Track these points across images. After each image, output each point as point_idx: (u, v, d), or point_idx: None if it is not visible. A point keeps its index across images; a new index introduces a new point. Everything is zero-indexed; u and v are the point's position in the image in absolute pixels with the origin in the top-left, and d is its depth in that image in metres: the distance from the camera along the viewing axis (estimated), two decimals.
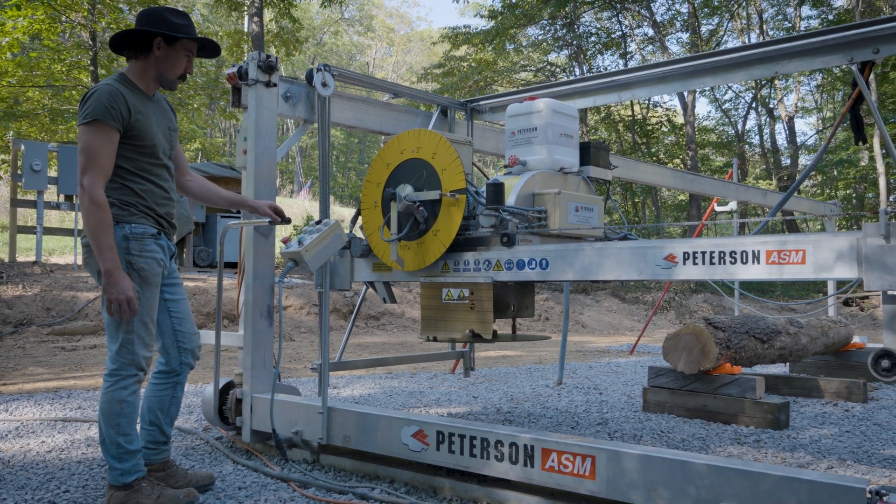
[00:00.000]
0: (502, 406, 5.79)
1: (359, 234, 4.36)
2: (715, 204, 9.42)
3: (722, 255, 3.04)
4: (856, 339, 7.51)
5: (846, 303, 21.30)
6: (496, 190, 3.79)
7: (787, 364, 7.47)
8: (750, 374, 5.52)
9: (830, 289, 9.70)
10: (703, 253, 3.08)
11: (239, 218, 4.32)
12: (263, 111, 4.17)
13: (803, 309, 18.78)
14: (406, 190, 3.99)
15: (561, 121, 4.32)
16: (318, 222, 3.77)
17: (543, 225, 3.94)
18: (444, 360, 5.81)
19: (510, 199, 3.96)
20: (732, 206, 8.97)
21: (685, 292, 21.00)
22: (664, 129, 29.57)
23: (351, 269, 4.41)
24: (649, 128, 28.31)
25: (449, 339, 4.09)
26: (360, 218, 4.32)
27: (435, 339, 4.31)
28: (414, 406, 5.77)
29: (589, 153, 4.42)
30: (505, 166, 4.37)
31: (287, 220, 3.89)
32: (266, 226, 4.03)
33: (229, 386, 4.18)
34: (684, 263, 3.13)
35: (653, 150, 28.59)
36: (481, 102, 5.79)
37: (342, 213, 27.77)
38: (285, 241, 3.71)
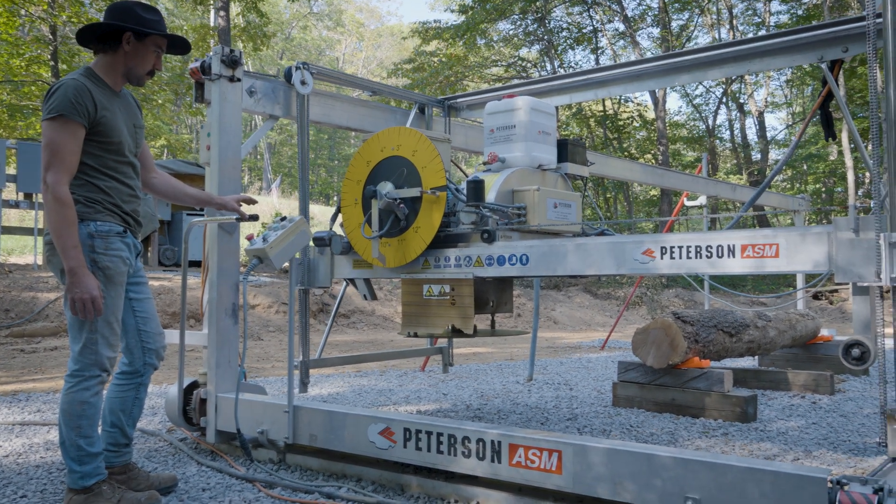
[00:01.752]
0: (472, 403, 5.81)
1: (339, 231, 4.39)
2: (685, 199, 9.52)
3: (698, 249, 3.10)
4: (823, 332, 7.64)
5: (815, 296, 21.67)
6: (476, 187, 3.83)
7: (756, 357, 7.58)
8: (718, 367, 5.61)
9: (799, 282, 9.84)
10: (680, 248, 3.13)
11: (204, 216, 4.30)
12: (227, 106, 4.14)
13: (773, 303, 19.06)
14: (386, 187, 4.00)
15: (539, 118, 4.38)
16: (283, 219, 3.76)
17: (523, 221, 3.99)
18: (423, 356, 5.84)
19: (490, 196, 4.00)
20: (702, 200, 9.07)
21: (657, 287, 21.21)
22: (635, 124, 29.83)
23: (331, 266, 4.43)
24: (621, 123, 28.55)
25: (430, 335, 4.12)
26: (339, 215, 4.35)
27: (416, 335, 4.34)
28: (383, 404, 5.78)
29: (566, 150, 4.49)
30: (484, 163, 4.41)
31: (254, 218, 3.87)
32: (231, 223, 4.01)
33: (193, 386, 4.15)
34: (661, 258, 3.18)
35: (624, 145, 28.85)
36: (459, 100, 5.82)
37: (311, 210, 27.63)
38: (250, 238, 3.69)
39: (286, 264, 3.63)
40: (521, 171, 4.22)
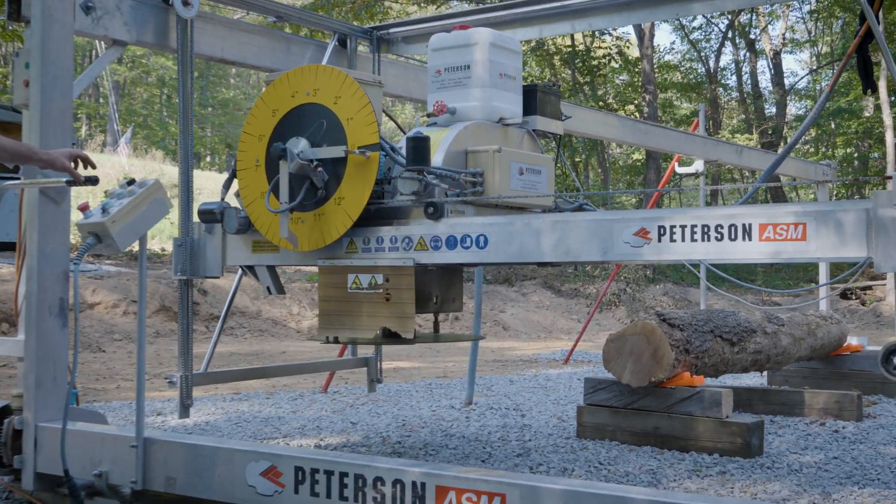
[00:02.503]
0: (390, 435, 5.84)
1: (234, 202, 4.39)
2: (676, 164, 9.71)
3: (706, 230, 3.18)
4: (851, 341, 7.89)
5: (844, 294, 22.38)
6: (419, 146, 3.85)
7: (764, 373, 7.79)
8: (715, 386, 5.75)
9: (822, 275, 10.15)
10: (683, 227, 3.21)
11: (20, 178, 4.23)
12: (54, 26, 4.05)
13: (787, 301, 19.59)
14: (300, 145, 4.02)
15: (501, 57, 4.41)
16: (132, 183, 3.70)
17: (480, 192, 4.04)
18: (342, 369, 5.85)
19: (436, 159, 4.02)
20: (698, 167, 9.26)
21: (639, 282, 21.61)
22: (614, 64, 30.21)
23: (223, 249, 4.42)
24: (595, 63, 28.84)
25: (355, 340, 4.13)
26: (234, 181, 4.37)
27: (335, 341, 4.38)
28: (269, 437, 5.76)
29: (535, 99, 4.54)
30: (428, 115, 4.44)
31: (94, 181, 3.80)
32: (59, 187, 3.93)
33: (4, 412, 4.07)
34: (660, 240, 3.26)
35: (599, 92, 29.18)
36: (393, 30, 5.82)
37: (173, 174, 27.23)
38: (84, 208, 3.62)
39: (134, 245, 3.64)
40: (478, 125, 4.26)
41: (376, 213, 4.02)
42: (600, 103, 27.55)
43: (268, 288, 4.60)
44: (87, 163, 3.80)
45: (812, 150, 32.18)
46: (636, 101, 28.93)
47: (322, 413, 6.77)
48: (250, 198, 4.20)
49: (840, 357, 7.61)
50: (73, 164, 3.75)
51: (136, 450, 3.65)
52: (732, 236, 3.15)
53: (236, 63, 5.22)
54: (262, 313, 14.53)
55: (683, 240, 3.24)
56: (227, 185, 4.58)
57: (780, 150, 27.10)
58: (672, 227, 3.23)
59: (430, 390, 8.18)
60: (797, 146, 34.58)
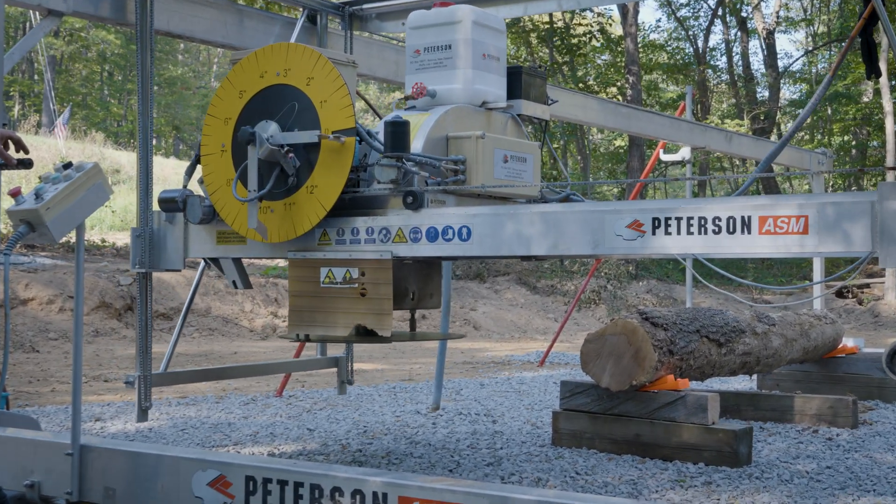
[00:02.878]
0: (350, 442, 5.84)
1: (197, 190, 4.42)
2: (661, 151, 9.76)
3: (703, 222, 3.23)
4: (847, 342, 7.96)
5: (840, 293, 22.60)
6: (399, 131, 3.88)
7: (754, 376, 7.85)
8: (701, 390, 5.78)
9: (817, 272, 10.21)
10: (679, 220, 3.25)
11: None
12: None
13: (777, 299, 19.73)
14: (269, 129, 4.05)
15: (485, 36, 4.45)
16: (68, 166, 3.68)
17: (462, 180, 4.08)
18: (312, 369, 5.86)
19: (416, 145, 4.06)
20: (684, 154, 9.32)
21: (621, 278, 21.72)
22: (595, 43, 30.31)
23: (184, 240, 4.43)
24: (574, 41, 28.94)
25: (326, 338, 4.15)
26: (198, 168, 4.40)
27: (307, 339, 4.41)
28: (219, 444, 5.75)
29: (520, 82, 4.59)
30: (406, 98, 4.47)
31: (27, 164, 3.77)
32: None
33: None
34: (654, 233, 3.29)
35: (579, 73, 29.29)
36: (366, 6, 5.83)
37: (118, 158, 27.05)
38: (15, 193, 3.59)
39: (71, 235, 3.63)
40: (460, 109, 4.30)
41: (351, 203, 4.04)
42: (580, 85, 27.65)
43: (233, 282, 4.64)
44: (20, 145, 3.76)
45: (807, 137, 32.44)
46: (619, 83, 29.08)
47: (276, 419, 6.75)
48: (215, 185, 4.22)
49: (835, 360, 7.67)
50: (3, 146, 3.72)
51: (72, 458, 3.63)
52: (731, 229, 3.19)
53: (184, 37, 5.20)
54: (211, 310, 14.48)
55: (679, 232, 3.28)
56: (189, 172, 4.60)
57: (772, 138, 27.30)
58: (667, 219, 3.27)
59: (393, 394, 8.18)
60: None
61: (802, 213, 3.11)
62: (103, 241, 17.66)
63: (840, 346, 7.80)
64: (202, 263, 5.31)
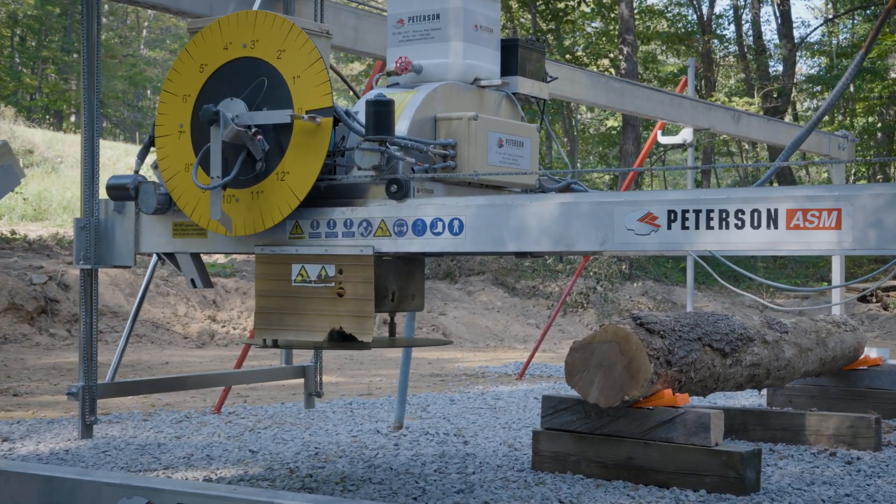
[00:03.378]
0: (300, 465, 5.83)
1: (152, 176, 4.44)
2: (658, 133, 9.80)
3: (724, 215, 3.25)
4: (869, 352, 8.00)
5: (863, 297, 22.73)
6: (382, 111, 3.92)
7: (763, 391, 7.89)
8: (703, 406, 5.80)
9: (836, 273, 10.27)
10: (698, 212, 3.27)
11: None
12: None
13: (790, 303, 19.77)
14: (235, 108, 4.08)
15: (477, 5, 4.50)
16: None
17: (452, 167, 4.13)
18: (277, 380, 5.85)
19: (400, 127, 4.10)
20: (685, 136, 9.36)
21: (612, 278, 21.75)
22: (585, 8, 30.37)
23: (136, 232, 4.46)
24: (561, 6, 28.97)
25: (294, 344, 4.23)
26: (152, 150, 4.42)
27: (275, 344, 4.42)
28: (147, 468, 5.71)
29: (515, 56, 4.63)
30: (388, 74, 4.51)
31: None
32: None
33: None
34: (669, 227, 3.31)
35: (566, 42, 29.30)
36: None
37: (31, 137, 26.83)
38: None
39: None
40: (449, 87, 4.33)
41: (327, 192, 4.06)
42: (567, 56, 27.69)
43: (192, 280, 4.64)
44: None
45: (826, 117, 32.60)
46: (611, 55, 29.12)
47: (214, 439, 6.72)
48: (172, 170, 4.23)
49: (855, 372, 7.70)
50: None
51: None
52: (755, 223, 3.22)
53: (156, 7, 5.21)
54: (139, 314, 14.41)
55: (697, 226, 3.30)
56: (142, 155, 4.61)
57: (786, 119, 27.40)
58: (684, 212, 3.29)
59: (350, 411, 8.16)
60: (805, 112, 35.02)
61: (835, 206, 3.13)
62: (13, 232, 17.52)
63: (862, 356, 7.82)
64: (153, 259, 5.29)
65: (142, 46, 47.28)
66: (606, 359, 5.38)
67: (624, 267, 22.80)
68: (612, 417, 5.50)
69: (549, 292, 21.10)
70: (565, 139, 30.95)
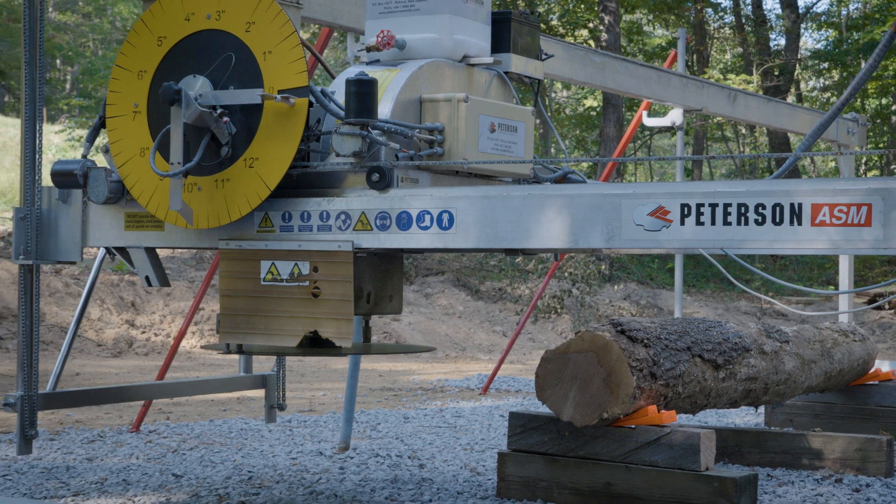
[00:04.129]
0: (230, 492, 5.82)
1: (101, 161, 4.48)
2: (644, 113, 9.82)
3: (743, 210, 3.30)
4: (880, 366, 8.05)
5: (875, 302, 22.85)
6: (364, 92, 3.96)
7: (761, 409, 7.92)
8: (692, 426, 5.82)
9: (844, 276, 10.32)
10: (714, 206, 3.32)
11: None
12: None
13: (791, 312, 19.92)
14: (198, 86, 4.12)
15: None
16: None
17: (439, 153, 4.19)
18: (235, 390, 5.82)
19: (383, 109, 4.14)
20: (674, 117, 9.38)
21: (590, 280, 21.75)
22: None
23: (83, 224, 4.48)
24: None
25: (269, 350, 4.26)
26: (103, 132, 4.47)
27: (240, 350, 4.47)
28: (53, 495, 5.67)
29: (508, 31, 4.69)
30: (368, 49, 4.54)
31: None
32: None
33: None
34: (682, 222, 3.37)
35: (539, 9, 29.28)
36: None
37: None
38: None
39: None
40: (436, 65, 4.39)
41: (301, 180, 4.10)
42: (542, 28, 27.66)
43: (146, 278, 4.64)
44: None
45: (833, 98, 32.84)
46: (591, 25, 29.17)
47: (131, 461, 6.69)
48: (126, 155, 4.25)
49: (865, 388, 7.74)
50: None
51: None
52: (777, 219, 3.26)
53: None
54: (45, 317, 14.31)
55: (714, 222, 3.34)
56: (91, 138, 4.63)
57: (789, 99, 27.55)
58: (699, 206, 3.32)
59: (289, 429, 8.14)
60: (809, 92, 35.19)
61: (865, 201, 3.16)
62: None
63: (872, 370, 7.86)
64: (100, 254, 5.28)
65: (50, 9, 46.94)
66: (582, 371, 5.39)
67: (603, 267, 22.82)
68: (588, 438, 5.51)
69: (518, 295, 21.12)
70: (537, 120, 30.94)
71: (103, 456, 6.87)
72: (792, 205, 3.24)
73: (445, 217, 3.76)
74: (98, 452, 6.99)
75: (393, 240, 3.87)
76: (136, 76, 4.27)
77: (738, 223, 3.32)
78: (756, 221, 3.29)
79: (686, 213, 3.38)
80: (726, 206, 3.32)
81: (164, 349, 14.01)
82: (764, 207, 3.27)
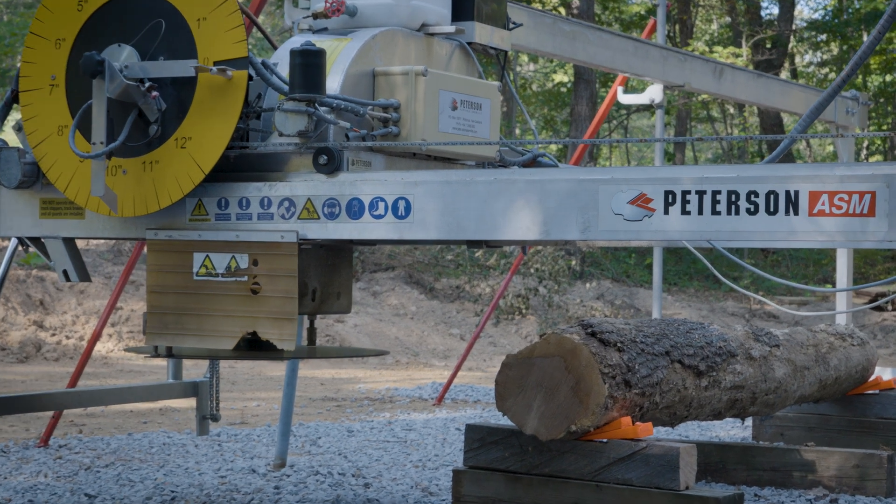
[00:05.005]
0: None
1: (13, 140, 4.47)
2: (619, 89, 9.85)
3: (734, 197, 3.32)
4: (881, 373, 8.10)
5: (876, 302, 22.96)
6: (311, 63, 3.97)
7: (748, 420, 7.96)
8: (671, 440, 5.84)
9: (842, 273, 10.39)
10: (702, 193, 3.34)
11: None
12: None
13: (781, 312, 19.98)
14: (123, 56, 4.12)
15: None
16: None
17: (395, 133, 4.22)
18: (161, 399, 5.83)
19: (331, 83, 4.15)
20: (653, 94, 9.42)
21: (559, 277, 21.77)
22: None
23: None
24: None
25: (202, 353, 4.31)
26: (15, 107, 4.46)
27: (169, 354, 4.47)
28: None
29: None
30: (314, 15, 4.55)
31: None
32: None
33: None
34: (667, 211, 3.38)
35: None
36: None
37: None
38: None
39: None
40: (391, 34, 4.41)
41: (240, 163, 4.11)
42: None
43: (64, 272, 4.62)
44: None
45: (832, 73, 33.02)
46: None
47: (39, 479, 6.66)
48: (42, 134, 4.26)
49: (863, 398, 7.78)
50: None
51: None
52: (771, 208, 3.28)
53: None
54: None
55: (701, 211, 3.35)
56: (2, 114, 4.62)
57: (783, 75, 27.67)
58: (685, 193, 3.33)
59: (217, 444, 8.12)
60: (805, 68, 35.35)
61: (869, 189, 3.18)
62: None
63: (872, 378, 7.91)
64: (11, 244, 5.25)
65: None
66: (548, 378, 5.40)
67: (574, 262, 22.84)
68: (555, 453, 5.52)
69: (478, 294, 21.13)
70: (501, 98, 31.02)
71: (7, 473, 6.84)
72: (788, 192, 3.26)
73: (401, 204, 3.77)
74: (1, 470, 6.96)
75: (342, 230, 3.86)
76: (54, 45, 4.25)
77: (729, 212, 3.33)
78: (748, 211, 3.31)
79: (671, 201, 3.39)
80: (715, 193, 3.34)
81: (76, 353, 13.95)
82: (757, 195, 3.29)
